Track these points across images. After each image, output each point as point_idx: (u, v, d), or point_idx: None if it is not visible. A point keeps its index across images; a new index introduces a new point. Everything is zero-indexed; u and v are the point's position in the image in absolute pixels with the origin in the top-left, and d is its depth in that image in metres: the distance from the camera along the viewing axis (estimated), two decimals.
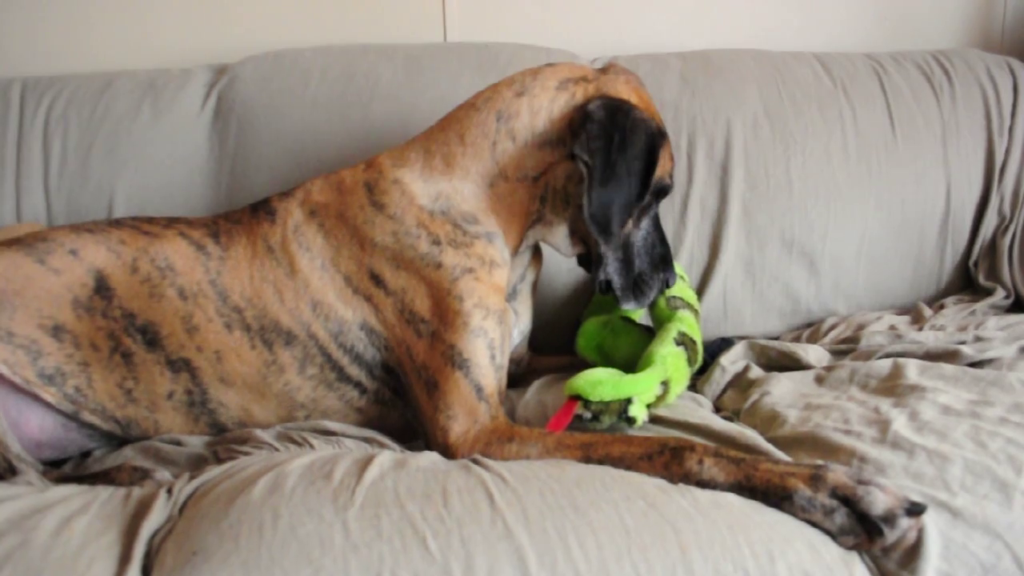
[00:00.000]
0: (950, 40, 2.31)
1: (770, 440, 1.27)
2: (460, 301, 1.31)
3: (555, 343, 1.76)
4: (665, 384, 1.34)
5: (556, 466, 1.11)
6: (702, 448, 1.12)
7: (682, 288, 1.57)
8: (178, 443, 1.37)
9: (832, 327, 1.78)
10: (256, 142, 1.83)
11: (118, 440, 1.42)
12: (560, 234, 1.46)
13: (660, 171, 1.41)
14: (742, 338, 1.78)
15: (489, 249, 1.37)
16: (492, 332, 1.32)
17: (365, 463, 1.09)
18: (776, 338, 1.83)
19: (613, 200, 1.31)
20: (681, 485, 1.08)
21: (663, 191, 1.46)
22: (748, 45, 2.08)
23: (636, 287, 1.45)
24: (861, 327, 1.72)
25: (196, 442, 1.37)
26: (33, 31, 2.02)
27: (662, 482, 1.08)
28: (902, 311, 1.87)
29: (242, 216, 1.45)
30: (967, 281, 1.96)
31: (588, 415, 1.27)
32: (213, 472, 1.16)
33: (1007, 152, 1.95)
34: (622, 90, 1.40)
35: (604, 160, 1.29)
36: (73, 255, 1.38)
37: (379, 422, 1.42)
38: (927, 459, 1.13)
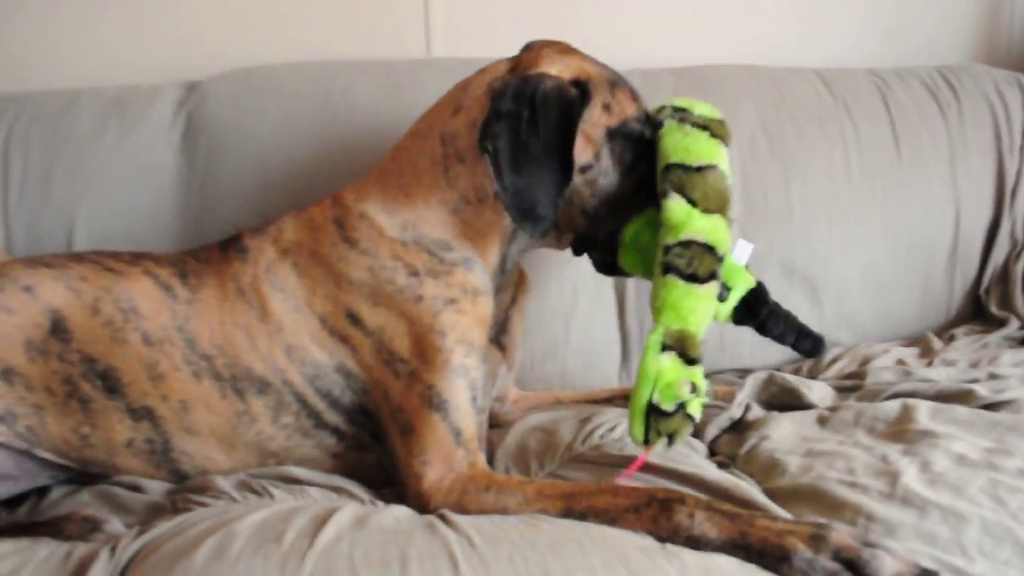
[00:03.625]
0: (956, 55, 2.24)
1: (768, 491, 1.19)
2: (442, 336, 1.24)
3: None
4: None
5: (531, 525, 1.03)
6: (693, 500, 1.05)
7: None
8: (137, 488, 1.29)
9: (835, 359, 1.70)
10: (226, 163, 1.74)
11: (76, 473, 1.34)
12: (547, 236, 1.38)
13: (615, 120, 1.30)
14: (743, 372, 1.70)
15: (470, 277, 1.31)
16: (474, 371, 1.25)
17: (322, 521, 1.01)
18: (776, 371, 1.74)
19: (536, 183, 1.20)
20: (668, 548, 0.99)
21: (629, 135, 1.31)
22: (745, 60, 2.00)
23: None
24: (867, 360, 1.64)
25: (156, 488, 1.29)
26: None
27: (648, 544, 1.00)
28: (910, 342, 1.80)
29: (211, 255, 1.38)
30: (978, 310, 1.89)
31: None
32: (161, 528, 1.07)
33: (1018, 173, 1.90)
34: (542, 64, 1.29)
35: (513, 142, 1.20)
36: (28, 292, 1.29)
37: (357, 467, 1.35)
38: (941, 518, 1.03)
